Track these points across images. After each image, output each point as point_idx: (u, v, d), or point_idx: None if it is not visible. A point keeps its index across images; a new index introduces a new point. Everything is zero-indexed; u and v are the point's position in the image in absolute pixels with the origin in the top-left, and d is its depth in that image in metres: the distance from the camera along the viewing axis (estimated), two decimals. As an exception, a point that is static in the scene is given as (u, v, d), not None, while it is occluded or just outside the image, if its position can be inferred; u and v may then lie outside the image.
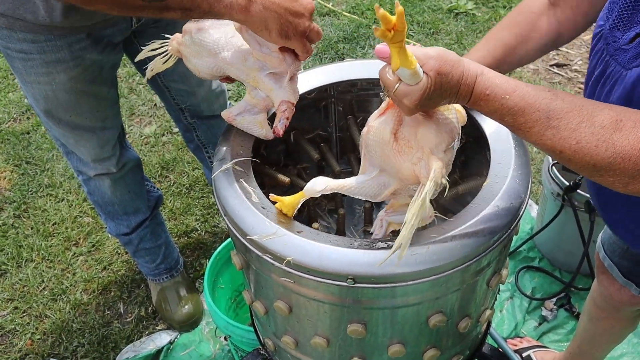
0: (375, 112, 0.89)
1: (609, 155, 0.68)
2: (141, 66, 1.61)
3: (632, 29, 0.81)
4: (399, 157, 0.83)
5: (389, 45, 0.70)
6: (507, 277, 1.97)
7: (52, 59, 1.30)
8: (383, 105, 0.86)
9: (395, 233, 1.09)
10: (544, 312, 1.89)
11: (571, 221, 1.76)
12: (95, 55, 1.36)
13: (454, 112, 0.86)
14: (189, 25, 1.08)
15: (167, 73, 1.59)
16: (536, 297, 1.93)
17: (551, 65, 2.87)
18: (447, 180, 0.82)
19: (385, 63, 0.74)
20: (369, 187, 0.89)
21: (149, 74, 1.19)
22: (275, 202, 0.96)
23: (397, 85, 0.73)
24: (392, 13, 0.69)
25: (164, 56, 1.15)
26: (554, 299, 1.90)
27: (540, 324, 1.89)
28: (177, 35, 1.11)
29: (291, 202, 0.95)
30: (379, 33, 0.68)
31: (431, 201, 0.89)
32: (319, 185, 0.92)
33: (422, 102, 0.74)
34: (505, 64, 1.02)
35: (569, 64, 2.88)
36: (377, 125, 0.84)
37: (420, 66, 0.72)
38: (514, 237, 2.10)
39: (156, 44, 1.15)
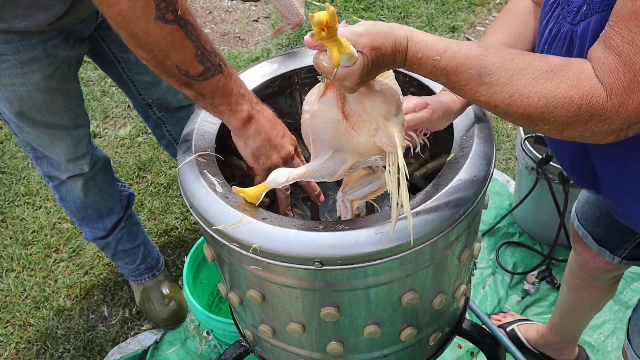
0: (310, 95, 0.88)
1: (541, 105, 0.70)
2: (105, 62, 1.59)
3: None
4: (353, 133, 0.83)
5: (325, 42, 0.71)
6: (488, 253, 1.99)
7: (27, 58, 1.29)
8: (321, 87, 0.85)
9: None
10: (526, 286, 1.91)
11: (547, 194, 1.77)
12: (67, 52, 1.36)
13: (391, 76, 0.86)
14: None
15: (132, 65, 1.58)
16: (517, 271, 1.94)
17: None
18: (409, 140, 0.83)
19: (317, 51, 0.75)
20: (326, 168, 0.89)
21: None
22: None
23: (335, 70, 0.73)
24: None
25: None
26: (535, 272, 1.91)
27: (523, 298, 1.90)
28: None
29: (254, 193, 0.95)
30: (315, 37, 0.69)
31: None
32: (281, 177, 0.92)
33: (362, 79, 0.74)
34: None
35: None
36: (322, 108, 0.84)
37: (353, 46, 0.72)
38: (493, 214, 2.11)
39: None
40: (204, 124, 1.12)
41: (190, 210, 0.99)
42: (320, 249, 0.86)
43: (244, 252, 0.90)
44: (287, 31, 3.06)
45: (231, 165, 1.23)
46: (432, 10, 3.11)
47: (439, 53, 0.73)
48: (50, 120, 1.43)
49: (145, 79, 1.63)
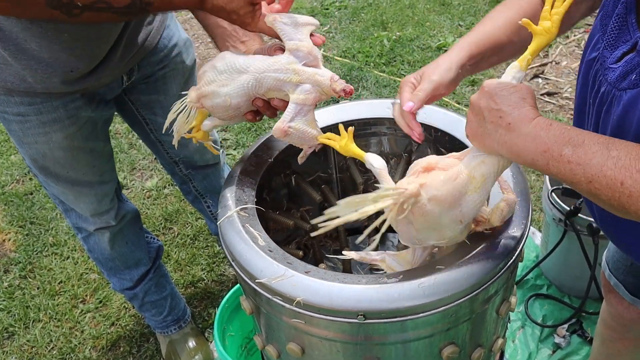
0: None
1: None
2: (133, 122, 1.64)
3: (619, 48, 0.84)
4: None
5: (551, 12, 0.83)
6: (517, 306, 1.97)
7: (49, 119, 1.33)
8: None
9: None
10: (557, 340, 1.88)
11: (575, 245, 1.76)
12: (90, 113, 1.39)
13: None
14: (203, 70, 1.11)
15: (159, 127, 1.62)
16: (547, 324, 1.92)
17: (542, 95, 2.93)
18: None
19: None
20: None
21: (175, 138, 1.21)
22: None
23: (507, 75, 0.86)
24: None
25: (185, 113, 1.16)
26: (566, 326, 1.89)
27: (554, 351, 1.87)
28: (192, 87, 1.13)
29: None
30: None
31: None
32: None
33: (490, 89, 0.82)
34: (512, 43, 1.02)
35: (560, 92, 2.94)
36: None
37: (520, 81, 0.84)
38: (520, 266, 2.10)
39: (177, 104, 1.16)
40: (243, 178, 1.15)
41: (232, 263, 1.01)
42: (363, 303, 0.87)
43: (286, 305, 0.91)
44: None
45: (266, 218, 1.25)
46: (451, 64, 3.18)
47: (567, 126, 0.75)
48: (73, 176, 1.46)
49: (172, 140, 1.67)
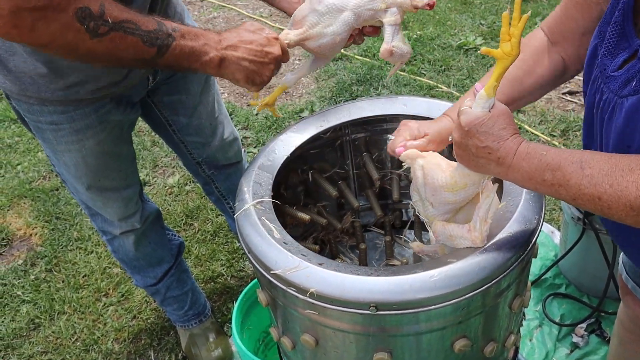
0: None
1: (639, 194, 0.73)
2: (156, 125, 1.68)
3: (619, 55, 0.84)
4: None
5: (506, 37, 0.82)
6: (535, 305, 1.96)
7: (81, 126, 1.37)
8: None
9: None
10: (575, 339, 1.87)
11: (594, 245, 1.75)
12: (118, 116, 1.43)
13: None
14: (301, 16, 1.20)
15: (182, 128, 1.65)
16: (565, 323, 1.91)
17: (563, 94, 2.91)
18: None
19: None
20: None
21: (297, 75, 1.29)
22: None
23: (467, 105, 0.86)
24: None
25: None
26: (584, 325, 1.87)
27: (572, 351, 1.86)
28: (286, 31, 1.22)
29: None
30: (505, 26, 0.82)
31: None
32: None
33: (470, 128, 0.84)
34: (514, 100, 1.06)
35: (581, 91, 2.91)
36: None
37: (491, 107, 0.85)
38: (539, 265, 2.09)
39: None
40: (260, 173, 1.18)
41: (248, 255, 1.03)
42: (375, 294, 0.89)
43: (300, 296, 0.93)
44: (330, 85, 3.17)
45: (283, 212, 1.28)
46: (472, 64, 3.18)
47: (544, 150, 0.81)
48: (104, 184, 1.50)
49: (195, 140, 1.70)
